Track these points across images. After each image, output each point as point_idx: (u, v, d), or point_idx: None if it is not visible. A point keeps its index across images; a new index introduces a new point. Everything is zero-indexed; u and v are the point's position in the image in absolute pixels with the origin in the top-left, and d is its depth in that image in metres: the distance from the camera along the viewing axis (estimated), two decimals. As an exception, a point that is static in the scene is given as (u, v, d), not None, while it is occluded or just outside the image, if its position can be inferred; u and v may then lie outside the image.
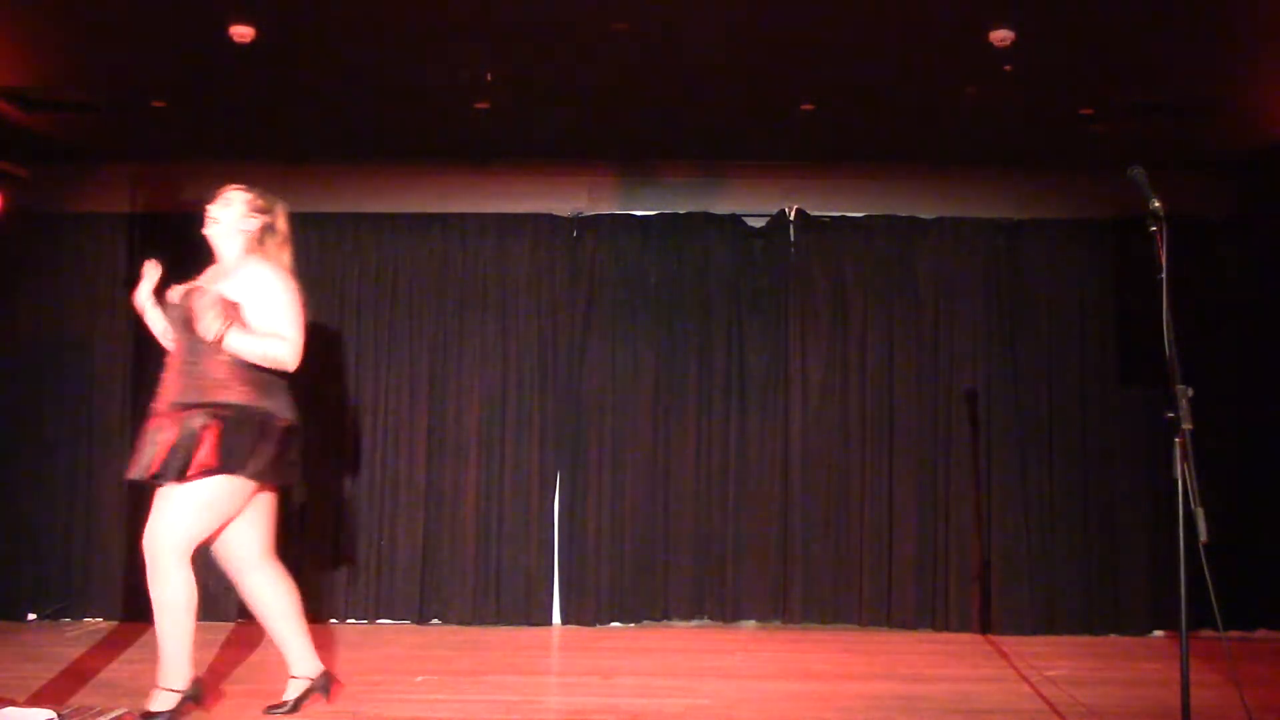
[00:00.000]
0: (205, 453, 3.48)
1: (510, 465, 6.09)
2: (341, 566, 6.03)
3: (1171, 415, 2.93)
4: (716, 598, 6.02)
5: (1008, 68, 4.58)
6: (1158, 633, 5.84)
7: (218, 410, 3.54)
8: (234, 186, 3.81)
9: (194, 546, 3.55)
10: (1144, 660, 5.17)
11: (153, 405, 3.63)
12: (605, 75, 4.87)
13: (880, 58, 4.65)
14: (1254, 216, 5.95)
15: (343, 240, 6.22)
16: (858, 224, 6.18)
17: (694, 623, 6.04)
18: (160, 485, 3.52)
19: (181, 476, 3.47)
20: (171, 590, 3.46)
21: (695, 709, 4.09)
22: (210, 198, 3.80)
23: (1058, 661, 5.03)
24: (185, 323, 3.60)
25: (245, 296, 3.63)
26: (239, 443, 3.53)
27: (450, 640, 5.56)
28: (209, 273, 3.79)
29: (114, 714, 3.70)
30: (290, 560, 5.94)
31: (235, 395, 3.58)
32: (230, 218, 3.76)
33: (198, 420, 3.51)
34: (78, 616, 5.93)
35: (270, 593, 3.79)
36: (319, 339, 6.17)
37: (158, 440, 3.52)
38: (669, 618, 6.06)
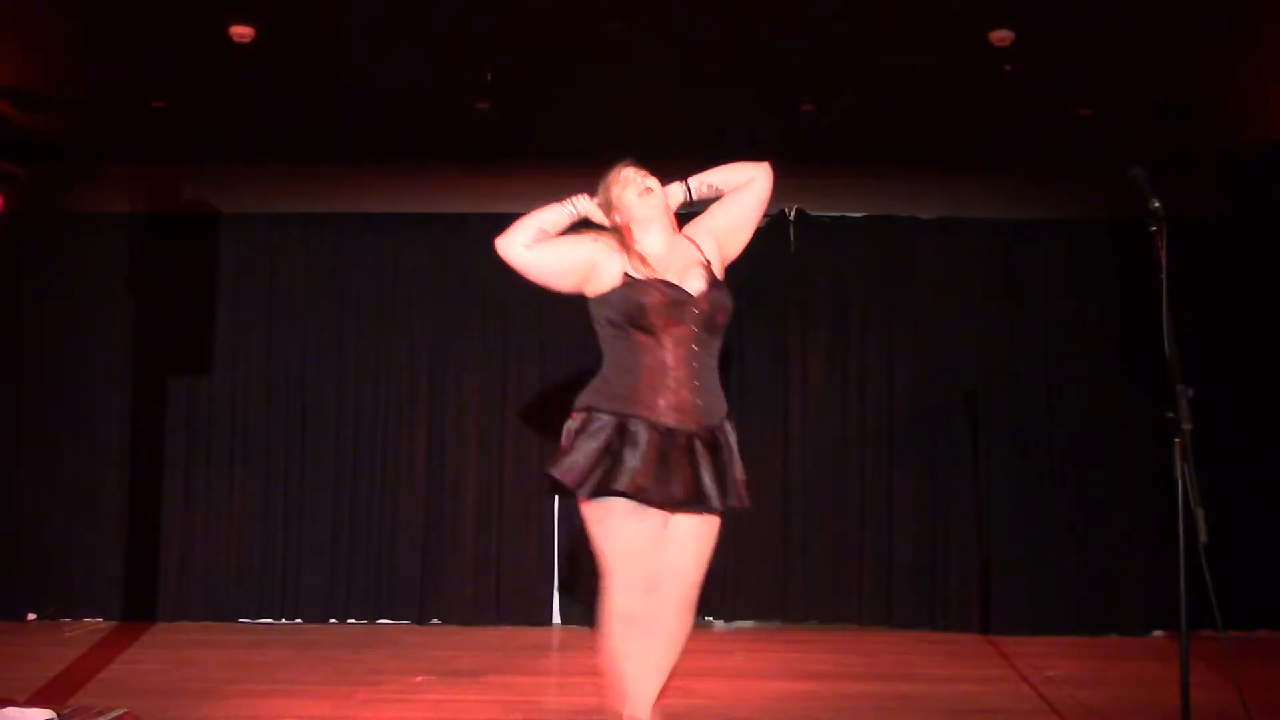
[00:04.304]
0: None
1: (510, 465, 6.09)
2: (340, 566, 6.03)
3: (1171, 415, 2.92)
4: (717, 598, 6.01)
5: (1008, 68, 4.58)
6: (1158, 633, 5.83)
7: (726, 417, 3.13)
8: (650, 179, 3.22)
9: None
10: (1144, 660, 5.16)
11: (659, 427, 2.99)
12: (605, 75, 4.87)
13: (880, 58, 4.65)
14: (1254, 216, 5.95)
15: (343, 240, 6.22)
16: (858, 224, 6.18)
17: (694, 623, 6.02)
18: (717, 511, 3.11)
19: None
20: None
21: (695, 709, 4.09)
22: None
23: (1058, 661, 5.02)
24: (707, 325, 3.11)
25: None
26: None
27: (450, 640, 5.55)
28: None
29: (114, 714, 3.70)
30: (290, 560, 6.06)
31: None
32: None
33: (731, 435, 3.16)
34: (78, 616, 5.93)
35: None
36: (319, 339, 6.21)
37: (708, 464, 3.06)
38: (669, 618, 6.04)
